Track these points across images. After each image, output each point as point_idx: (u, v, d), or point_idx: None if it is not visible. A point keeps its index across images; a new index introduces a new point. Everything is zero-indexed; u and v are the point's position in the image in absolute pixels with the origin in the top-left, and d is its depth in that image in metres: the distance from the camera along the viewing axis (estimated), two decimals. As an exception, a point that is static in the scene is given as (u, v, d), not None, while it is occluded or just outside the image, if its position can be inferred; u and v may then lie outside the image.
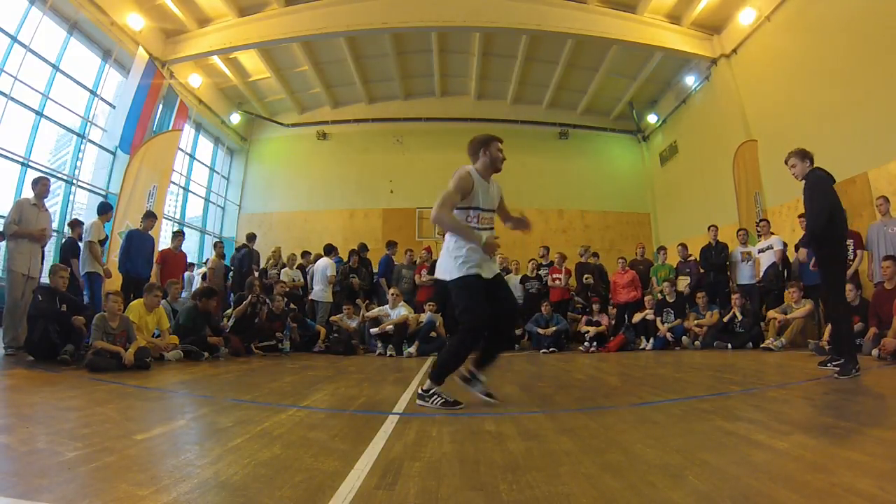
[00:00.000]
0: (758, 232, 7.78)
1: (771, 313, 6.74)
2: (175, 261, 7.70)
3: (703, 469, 1.59)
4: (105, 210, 6.76)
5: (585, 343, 7.34)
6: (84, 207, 8.92)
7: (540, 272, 8.45)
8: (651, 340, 7.35)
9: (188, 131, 11.92)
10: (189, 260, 8.91)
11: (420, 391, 2.86)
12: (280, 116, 13.74)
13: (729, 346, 6.79)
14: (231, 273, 8.57)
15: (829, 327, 4.74)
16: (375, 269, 8.80)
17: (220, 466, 1.67)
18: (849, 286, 5.05)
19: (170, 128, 10.23)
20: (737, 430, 2.13)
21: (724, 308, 7.28)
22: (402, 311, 7.09)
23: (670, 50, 10.24)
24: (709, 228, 8.17)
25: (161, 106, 9.89)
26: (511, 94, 12.99)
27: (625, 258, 8.44)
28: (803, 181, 3.93)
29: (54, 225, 6.74)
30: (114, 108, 9.53)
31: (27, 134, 7.81)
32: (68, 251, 6.39)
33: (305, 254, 9.33)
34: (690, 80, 11.34)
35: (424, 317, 7.21)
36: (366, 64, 12.06)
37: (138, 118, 9.14)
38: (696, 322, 7.29)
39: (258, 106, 13.29)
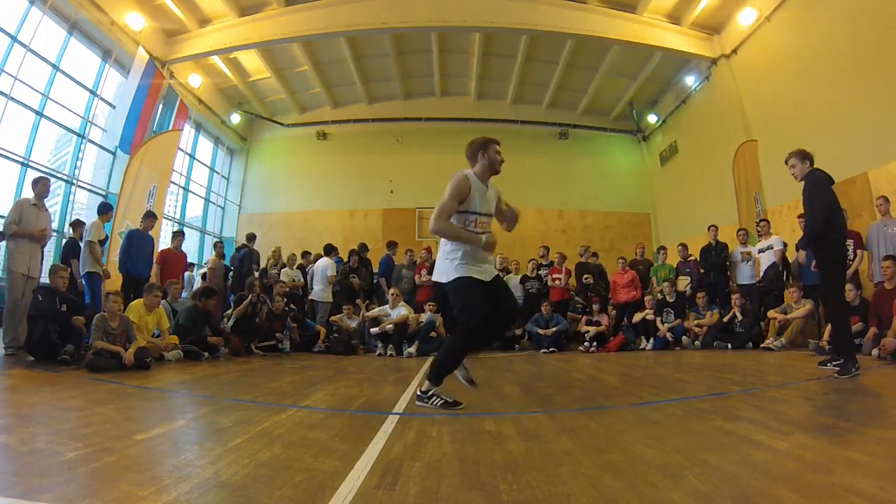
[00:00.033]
0: (758, 232, 7.77)
1: (771, 313, 6.75)
2: (175, 261, 7.70)
3: (703, 469, 1.59)
4: (105, 210, 6.75)
5: (585, 343, 7.35)
6: (84, 207, 8.91)
7: (540, 272, 8.46)
8: (651, 340, 7.35)
9: (188, 131, 11.92)
10: (189, 260, 8.90)
11: (419, 392, 2.85)
12: (280, 116, 13.73)
13: (729, 346, 6.80)
14: (231, 273, 8.57)
15: (829, 327, 4.73)
16: (375, 269, 8.81)
17: (220, 466, 1.67)
18: (849, 286, 5.06)
19: (170, 128, 10.23)
20: (737, 430, 2.13)
21: (724, 308, 7.28)
22: (402, 311, 7.10)
23: (670, 50, 10.24)
24: (709, 228, 8.17)
25: (161, 106, 9.90)
26: (511, 94, 12.98)
27: (625, 258, 8.44)
28: (802, 182, 3.94)
29: (54, 225, 6.75)
30: (114, 108, 9.53)
31: (27, 134, 7.81)
32: (69, 251, 6.39)
33: (305, 254, 9.33)
34: (690, 81, 11.33)
35: (424, 317, 7.21)
36: (366, 64, 12.05)
37: (138, 118, 9.15)
38: (696, 322, 7.29)
39: (258, 106, 13.29)
